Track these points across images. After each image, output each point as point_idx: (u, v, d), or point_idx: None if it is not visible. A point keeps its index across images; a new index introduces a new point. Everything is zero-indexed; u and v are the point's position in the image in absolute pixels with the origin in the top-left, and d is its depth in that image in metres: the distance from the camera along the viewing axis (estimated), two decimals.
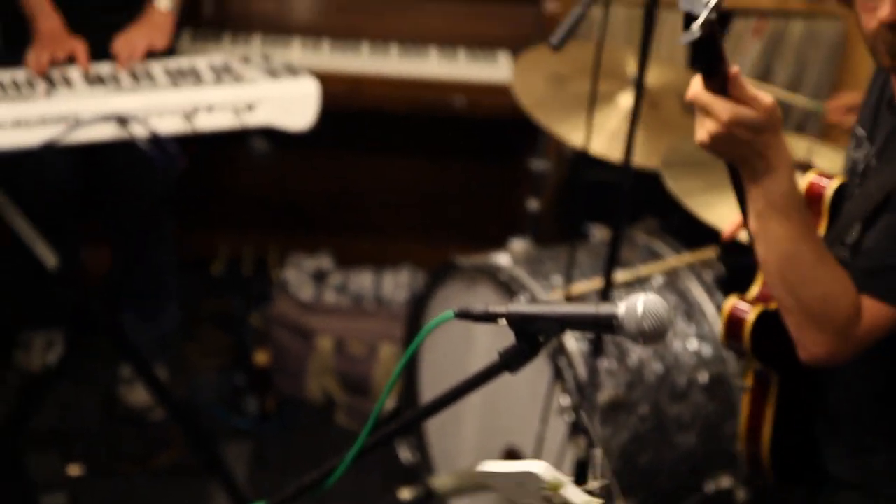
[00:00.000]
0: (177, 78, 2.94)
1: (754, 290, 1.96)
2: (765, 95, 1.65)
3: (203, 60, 3.04)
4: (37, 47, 2.96)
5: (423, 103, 3.59)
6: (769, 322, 1.87)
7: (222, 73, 2.97)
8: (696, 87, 1.66)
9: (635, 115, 2.48)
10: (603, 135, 2.85)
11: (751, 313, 1.90)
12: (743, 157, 1.68)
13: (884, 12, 1.73)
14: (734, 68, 1.63)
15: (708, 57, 1.60)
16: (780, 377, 1.96)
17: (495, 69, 3.60)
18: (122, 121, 2.77)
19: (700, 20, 1.51)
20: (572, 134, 2.87)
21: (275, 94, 2.93)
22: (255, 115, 2.91)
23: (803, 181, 1.91)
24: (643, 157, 2.74)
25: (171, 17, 3.16)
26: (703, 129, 1.67)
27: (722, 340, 1.97)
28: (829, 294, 1.75)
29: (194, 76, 2.95)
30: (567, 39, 2.39)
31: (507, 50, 3.66)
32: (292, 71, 3.00)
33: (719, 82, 1.63)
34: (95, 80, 2.91)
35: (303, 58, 3.54)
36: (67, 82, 2.88)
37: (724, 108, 1.64)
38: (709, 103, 1.64)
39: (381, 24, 3.69)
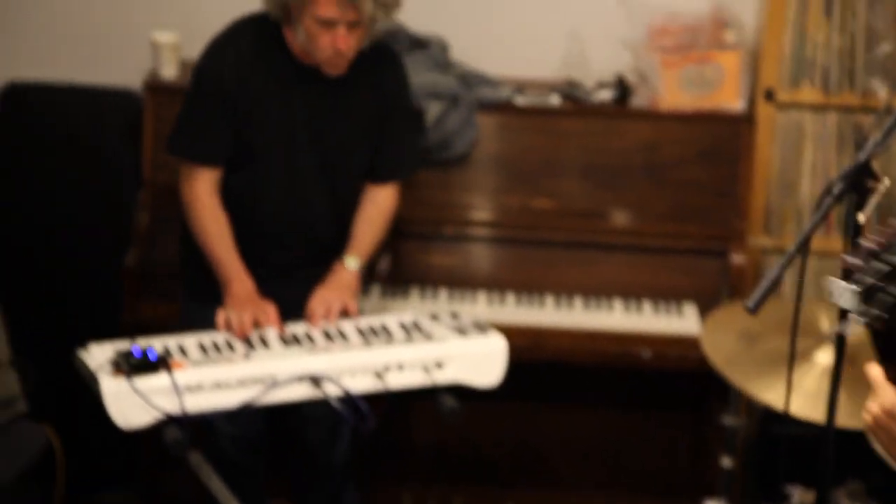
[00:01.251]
0: (369, 336, 2.99)
1: None
2: None
3: (393, 319, 3.09)
4: (235, 310, 3.00)
5: (607, 355, 3.57)
6: None
7: (412, 331, 3.01)
8: (876, 364, 1.59)
9: (837, 375, 2.40)
10: (801, 394, 2.77)
11: None
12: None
13: None
14: None
15: (880, 344, 1.54)
16: None
17: (681, 321, 3.57)
18: (316, 381, 2.82)
19: (848, 323, 1.46)
20: (767, 393, 2.80)
21: (464, 351, 2.96)
22: (445, 373, 2.93)
23: None
24: (845, 418, 2.63)
25: (359, 277, 3.19)
26: (866, 409, 1.60)
27: None
28: None
29: (385, 334, 3.00)
30: (763, 302, 2.36)
31: (693, 301, 3.63)
32: (481, 328, 3.03)
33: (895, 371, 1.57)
34: (291, 341, 2.98)
35: (488, 311, 3.58)
36: (265, 343, 2.96)
37: (885, 396, 1.57)
38: (876, 384, 1.58)
39: (565, 277, 3.71)
